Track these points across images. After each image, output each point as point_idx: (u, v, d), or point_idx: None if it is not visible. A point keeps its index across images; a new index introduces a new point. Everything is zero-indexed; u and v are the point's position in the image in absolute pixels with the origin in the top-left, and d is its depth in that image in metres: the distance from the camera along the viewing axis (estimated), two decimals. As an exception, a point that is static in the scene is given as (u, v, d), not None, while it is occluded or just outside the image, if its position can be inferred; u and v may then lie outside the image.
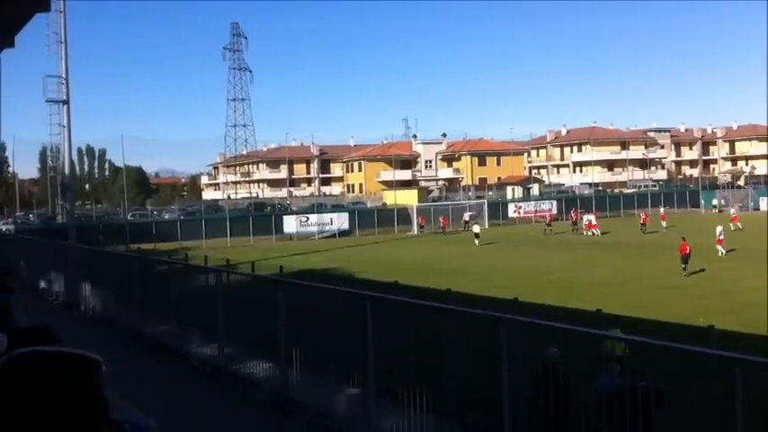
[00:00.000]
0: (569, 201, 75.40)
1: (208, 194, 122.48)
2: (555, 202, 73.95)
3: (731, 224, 53.19)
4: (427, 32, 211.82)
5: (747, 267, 29.84)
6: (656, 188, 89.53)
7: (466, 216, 64.06)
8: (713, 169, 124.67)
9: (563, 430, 8.25)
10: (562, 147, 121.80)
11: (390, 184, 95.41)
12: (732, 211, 58.81)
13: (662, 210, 62.71)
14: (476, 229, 52.03)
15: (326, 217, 63.91)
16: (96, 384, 1.28)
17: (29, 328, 4.58)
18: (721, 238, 37.06)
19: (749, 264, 30.49)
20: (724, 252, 36.34)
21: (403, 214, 65.55)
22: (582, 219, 56.75)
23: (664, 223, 55.39)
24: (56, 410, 1.23)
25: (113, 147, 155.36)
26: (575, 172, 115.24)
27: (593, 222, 54.42)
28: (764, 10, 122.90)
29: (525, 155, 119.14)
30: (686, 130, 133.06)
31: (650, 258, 36.52)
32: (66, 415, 1.24)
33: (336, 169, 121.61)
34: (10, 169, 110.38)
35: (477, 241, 48.88)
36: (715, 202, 76.42)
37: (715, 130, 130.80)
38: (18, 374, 1.28)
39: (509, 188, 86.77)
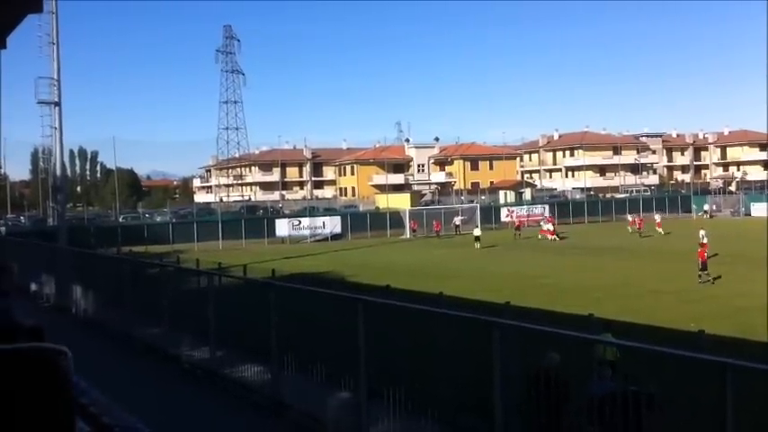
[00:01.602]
0: (561, 205, 75.58)
1: (200, 197, 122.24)
2: (547, 207, 74.10)
3: (657, 229, 54.96)
4: (420, 36, 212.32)
5: (736, 272, 29.94)
6: (648, 193, 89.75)
7: (456, 220, 64.31)
8: (705, 174, 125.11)
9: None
10: (554, 151, 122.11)
11: (383, 188, 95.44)
12: (656, 217, 60.29)
13: (630, 216, 62.53)
14: (476, 232, 52.08)
15: (319, 220, 63.84)
16: (60, 377, 1.25)
17: (24, 328, 4.55)
18: (704, 242, 37.42)
19: (736, 268, 30.60)
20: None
21: (395, 218, 65.54)
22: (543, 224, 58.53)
23: (660, 230, 56.33)
24: (21, 403, 1.21)
25: (105, 149, 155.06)
26: (567, 176, 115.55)
27: (551, 229, 55.90)
28: (760, 14, 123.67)
29: (518, 159, 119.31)
30: (678, 136, 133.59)
31: (643, 263, 36.65)
32: (32, 408, 1.21)
33: (329, 173, 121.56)
34: (1, 171, 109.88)
35: (477, 244, 49.19)
36: (706, 207, 76.62)
37: (707, 136, 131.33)
38: None
39: (501, 192, 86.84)
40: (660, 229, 55.61)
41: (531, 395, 7.91)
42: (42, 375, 1.23)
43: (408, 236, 62.53)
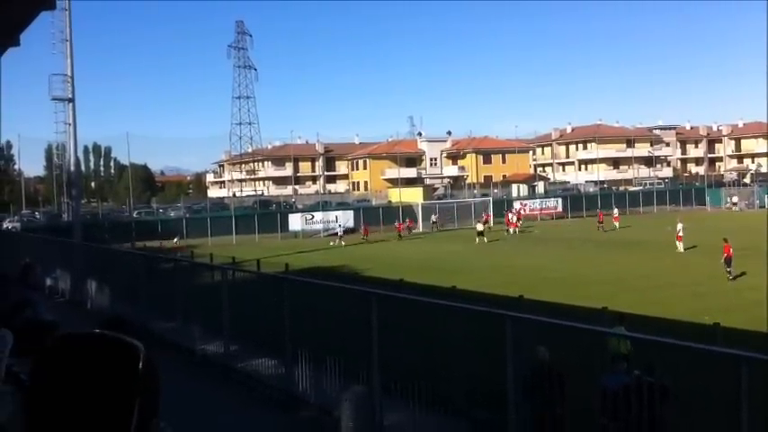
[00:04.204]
0: (574, 198, 75.36)
1: (213, 192, 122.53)
2: (560, 200, 73.96)
3: (614, 223, 56.30)
4: (432, 30, 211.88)
5: (751, 265, 29.70)
6: (662, 186, 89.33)
7: (434, 217, 64.33)
8: (719, 167, 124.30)
9: (567, 427, 8.26)
10: (567, 144, 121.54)
11: (395, 182, 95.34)
12: (615, 211, 61.31)
13: (615, 211, 62.25)
14: (479, 227, 51.97)
15: (332, 215, 63.88)
16: (138, 370, 1.36)
17: (40, 322, 4.59)
18: (681, 234, 37.79)
19: (752, 261, 30.33)
20: (682, 249, 37.63)
21: (408, 212, 65.52)
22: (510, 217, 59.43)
23: (616, 223, 56.99)
24: (97, 391, 1.33)
25: (119, 144, 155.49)
26: (580, 170, 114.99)
27: (513, 221, 57.58)
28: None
29: (530, 152, 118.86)
30: (692, 128, 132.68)
31: (651, 256, 36.52)
32: (107, 396, 1.33)
33: (341, 167, 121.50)
34: (16, 167, 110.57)
35: (478, 239, 49.25)
36: (735, 199, 75.49)
37: (721, 128, 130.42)
38: (67, 354, 1.38)
39: (514, 186, 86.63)
40: (616, 223, 56.84)
41: (530, 388, 7.95)
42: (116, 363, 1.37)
43: (421, 230, 62.59)
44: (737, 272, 28.86)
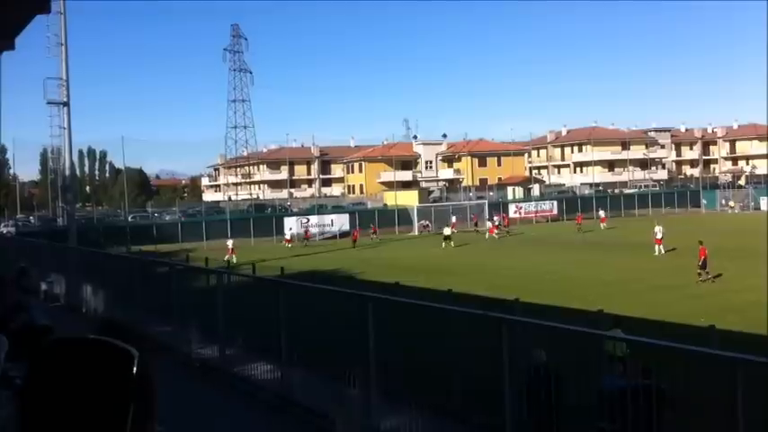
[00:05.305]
0: (570, 201, 75.46)
1: (208, 196, 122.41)
2: (555, 203, 74.04)
3: (601, 225, 57.19)
4: (427, 33, 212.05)
5: (747, 266, 29.79)
6: (657, 188, 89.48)
7: (424, 221, 64.34)
8: (714, 169, 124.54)
9: (564, 429, 8.26)
10: (563, 147, 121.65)
11: (391, 185, 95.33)
12: (601, 213, 62.12)
13: (602, 213, 62.56)
14: (446, 231, 51.52)
15: (327, 218, 63.90)
16: (132, 374, 1.37)
17: (35, 326, 4.59)
18: (659, 237, 38.19)
19: (747, 263, 30.42)
20: (663, 251, 37.84)
21: (403, 215, 65.55)
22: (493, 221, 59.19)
23: (603, 225, 57.67)
24: (91, 396, 1.34)
25: (114, 148, 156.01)
26: (575, 172, 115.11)
27: (490, 225, 57.32)
28: (765, 9, 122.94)
29: (526, 155, 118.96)
30: (687, 130, 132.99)
31: (645, 258, 36.57)
32: (101, 401, 1.34)
33: (337, 170, 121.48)
34: (11, 171, 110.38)
35: (444, 244, 48.74)
36: (732, 203, 75.60)
37: (715, 130, 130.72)
38: (59, 358, 1.39)
39: (510, 188, 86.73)
40: (603, 225, 57.72)
41: (528, 391, 7.94)
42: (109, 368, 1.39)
43: (416, 233, 62.60)
44: (715, 273, 28.96)
